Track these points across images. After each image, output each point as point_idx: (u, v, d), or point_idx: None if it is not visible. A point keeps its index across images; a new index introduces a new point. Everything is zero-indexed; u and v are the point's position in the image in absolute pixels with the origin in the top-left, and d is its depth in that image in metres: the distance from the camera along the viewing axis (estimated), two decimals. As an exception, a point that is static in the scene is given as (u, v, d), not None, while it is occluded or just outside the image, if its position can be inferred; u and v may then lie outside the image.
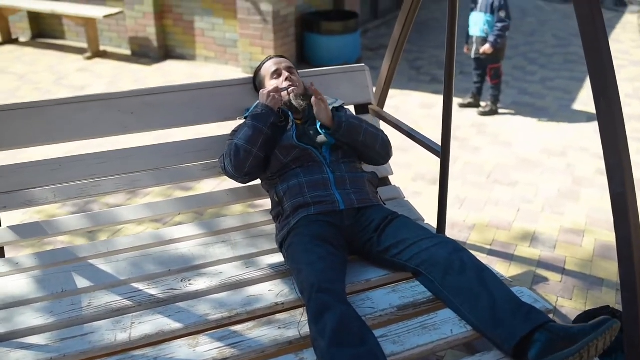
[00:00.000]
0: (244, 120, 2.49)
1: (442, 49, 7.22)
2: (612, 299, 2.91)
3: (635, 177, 4.15)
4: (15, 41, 7.89)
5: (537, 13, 9.63)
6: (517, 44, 7.72)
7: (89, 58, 7.13)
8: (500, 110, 5.42)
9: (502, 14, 5.07)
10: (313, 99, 2.40)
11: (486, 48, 5.17)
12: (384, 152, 2.52)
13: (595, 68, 1.71)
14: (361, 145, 2.44)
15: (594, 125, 4.93)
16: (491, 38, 5.13)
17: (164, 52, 7.11)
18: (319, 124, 2.44)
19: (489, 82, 5.36)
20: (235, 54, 6.72)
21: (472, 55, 5.35)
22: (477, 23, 5.23)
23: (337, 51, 6.57)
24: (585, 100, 5.67)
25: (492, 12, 5.11)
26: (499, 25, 5.08)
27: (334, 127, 2.38)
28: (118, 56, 7.23)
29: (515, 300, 1.85)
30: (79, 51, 7.40)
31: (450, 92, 2.34)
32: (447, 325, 1.90)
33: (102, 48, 7.42)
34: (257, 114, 2.41)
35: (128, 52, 7.35)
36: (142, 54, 7.13)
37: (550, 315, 1.93)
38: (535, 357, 1.71)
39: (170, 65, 6.84)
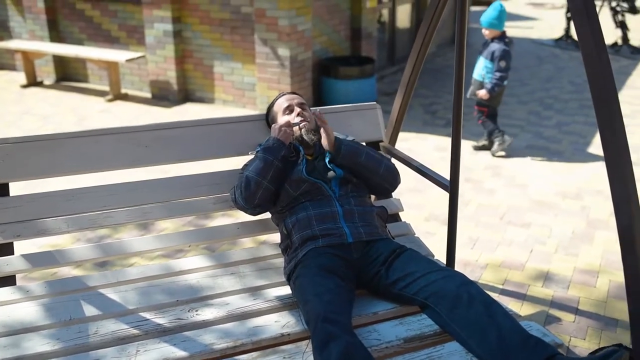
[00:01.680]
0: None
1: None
2: (627, 339, 2.85)
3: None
4: (40, 84, 8.10)
5: (553, 60, 9.70)
6: (533, 90, 7.77)
7: (111, 100, 7.29)
8: (514, 153, 5.43)
9: (502, 64, 5.17)
10: (321, 130, 2.46)
11: (482, 94, 5.30)
12: (390, 177, 2.55)
13: (599, 99, 1.72)
14: (364, 168, 2.47)
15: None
16: (488, 85, 5.28)
17: (184, 95, 7.25)
18: (328, 158, 2.47)
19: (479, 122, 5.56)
20: (253, 97, 6.83)
21: (467, 95, 5.48)
22: (478, 67, 5.39)
23: (354, 95, 6.65)
24: (600, 144, 5.65)
25: (492, 60, 5.21)
26: (497, 74, 5.20)
27: (335, 150, 2.42)
28: (139, 99, 7.39)
29: (524, 333, 1.83)
30: (101, 94, 7.58)
31: (458, 126, 2.36)
32: (454, 358, 1.88)
33: (123, 91, 7.59)
34: (269, 146, 2.44)
35: (148, 95, 7.51)
36: (162, 96, 7.28)
37: (561, 352, 1.90)
38: (543, 390, 1.68)
39: (189, 108, 6.97)
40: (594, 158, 5.33)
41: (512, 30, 12.69)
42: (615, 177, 1.74)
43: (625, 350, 1.67)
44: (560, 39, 10.93)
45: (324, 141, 2.49)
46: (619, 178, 1.72)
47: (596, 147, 5.63)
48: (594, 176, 4.92)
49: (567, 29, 10.79)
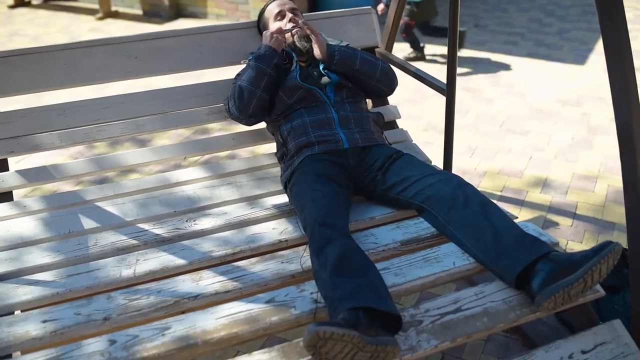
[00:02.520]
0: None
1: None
2: (624, 242, 2.87)
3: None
4: (28, 4, 7.89)
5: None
6: (534, -3, 7.57)
7: (101, 18, 7.11)
8: (514, 61, 5.33)
9: None
10: (313, 38, 2.40)
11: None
12: (386, 80, 2.50)
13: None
14: (360, 73, 2.43)
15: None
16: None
17: (175, 10, 7.07)
18: (322, 65, 2.42)
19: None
20: (246, 10, 6.66)
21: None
22: None
23: (350, 7, 6.45)
24: (602, 51, 5.55)
25: None
26: None
27: (328, 58, 2.36)
28: (130, 16, 7.21)
29: (519, 232, 1.83)
30: (91, 12, 7.39)
31: (455, 29, 2.29)
32: (450, 258, 1.89)
33: (113, 8, 7.40)
34: (261, 54, 2.39)
35: (139, 11, 7.32)
36: (154, 13, 7.10)
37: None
38: (539, 287, 1.69)
39: (181, 24, 6.81)
40: (595, 65, 5.24)
41: None
42: (615, 70, 1.69)
43: (618, 244, 1.67)
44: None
45: (316, 52, 2.42)
46: (619, 71, 1.68)
47: (598, 53, 5.52)
48: (595, 83, 4.85)
49: None
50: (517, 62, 5.37)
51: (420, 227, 2.07)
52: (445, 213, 1.99)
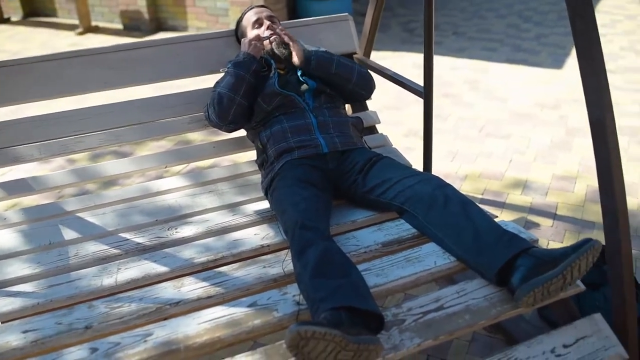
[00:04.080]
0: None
1: (436, 12, 7.17)
2: (604, 240, 2.90)
3: (634, 126, 4.13)
4: (7, 20, 7.86)
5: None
6: (512, 3, 7.65)
7: (81, 34, 7.10)
8: (493, 67, 5.38)
9: None
10: (291, 44, 2.42)
11: None
12: (363, 83, 2.52)
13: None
14: (337, 77, 2.45)
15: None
16: None
17: (156, 24, 7.07)
18: (301, 72, 2.44)
19: None
20: (226, 22, 6.68)
21: None
22: None
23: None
24: (579, 55, 5.62)
25: None
26: None
27: (305, 62, 2.38)
28: (110, 31, 7.20)
29: (499, 229, 1.85)
30: (71, 27, 7.37)
31: (430, 32, 2.32)
32: (431, 258, 1.90)
33: (93, 23, 7.38)
34: (239, 61, 2.40)
35: (120, 26, 7.32)
36: (134, 27, 7.10)
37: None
38: (518, 282, 1.71)
39: (162, 37, 6.80)
40: (572, 68, 5.30)
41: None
42: (586, 65, 1.72)
43: (597, 241, 1.69)
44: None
45: (294, 58, 2.44)
46: (590, 66, 1.70)
47: (575, 57, 5.57)
48: (572, 86, 4.91)
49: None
50: (496, 67, 5.42)
51: (401, 228, 2.08)
52: (425, 213, 2.00)
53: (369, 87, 2.56)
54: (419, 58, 5.76)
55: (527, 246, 1.78)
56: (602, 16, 6.86)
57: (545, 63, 5.48)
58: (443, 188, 2.02)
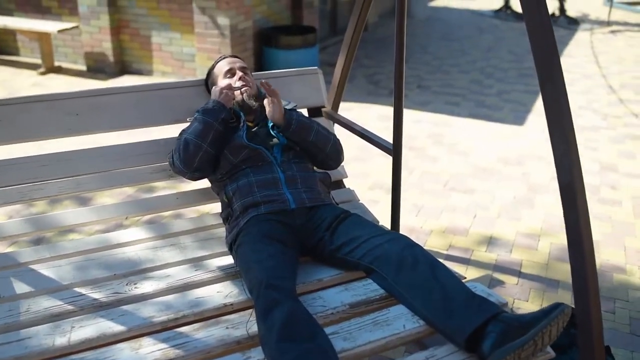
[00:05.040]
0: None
1: (400, 64, 7.29)
2: (568, 298, 2.91)
3: (593, 185, 4.20)
4: (-34, 58, 7.70)
5: (493, 30, 9.80)
6: (474, 59, 7.83)
7: (43, 73, 6.98)
8: (457, 121, 5.46)
9: None
10: (265, 100, 2.38)
11: None
12: (334, 155, 2.51)
13: (540, 55, 1.70)
14: (312, 145, 2.41)
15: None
16: None
17: (120, 67, 7.01)
18: (271, 125, 2.40)
19: None
20: (192, 68, 6.66)
21: None
22: None
23: (296, 65, 6.47)
24: (540, 111, 5.76)
25: None
26: None
27: (284, 125, 2.35)
28: (73, 72, 7.11)
29: (468, 292, 1.82)
30: (33, 67, 7.25)
31: (400, 87, 2.32)
32: (400, 321, 1.86)
33: (57, 63, 7.28)
34: (209, 108, 2.36)
35: (83, 67, 7.23)
36: (98, 69, 7.02)
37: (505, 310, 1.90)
38: (489, 349, 1.67)
39: (126, 81, 6.74)
40: (534, 125, 5.41)
41: (453, 0, 12.77)
42: (556, 131, 1.73)
43: (567, 306, 1.67)
44: (500, 10, 11.05)
45: (272, 114, 2.38)
46: (560, 132, 1.71)
47: (536, 114, 5.71)
48: (534, 142, 5.00)
49: (507, 0, 10.92)
50: (459, 122, 5.49)
51: (369, 288, 2.03)
52: (394, 274, 1.96)
53: (339, 160, 2.56)
54: (384, 110, 5.81)
55: (497, 311, 1.75)
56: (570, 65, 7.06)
57: (507, 119, 5.59)
58: (412, 248, 2.00)
